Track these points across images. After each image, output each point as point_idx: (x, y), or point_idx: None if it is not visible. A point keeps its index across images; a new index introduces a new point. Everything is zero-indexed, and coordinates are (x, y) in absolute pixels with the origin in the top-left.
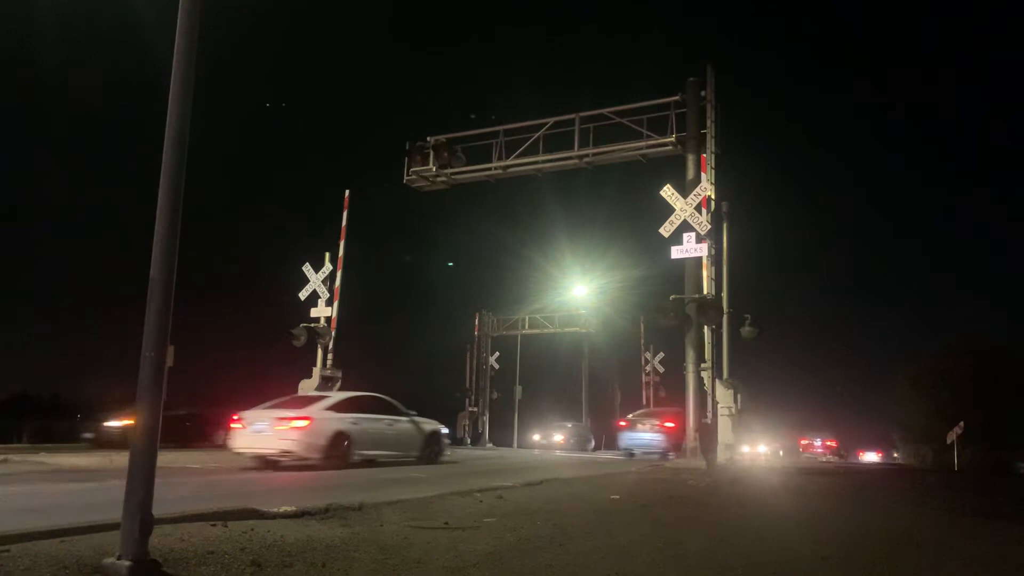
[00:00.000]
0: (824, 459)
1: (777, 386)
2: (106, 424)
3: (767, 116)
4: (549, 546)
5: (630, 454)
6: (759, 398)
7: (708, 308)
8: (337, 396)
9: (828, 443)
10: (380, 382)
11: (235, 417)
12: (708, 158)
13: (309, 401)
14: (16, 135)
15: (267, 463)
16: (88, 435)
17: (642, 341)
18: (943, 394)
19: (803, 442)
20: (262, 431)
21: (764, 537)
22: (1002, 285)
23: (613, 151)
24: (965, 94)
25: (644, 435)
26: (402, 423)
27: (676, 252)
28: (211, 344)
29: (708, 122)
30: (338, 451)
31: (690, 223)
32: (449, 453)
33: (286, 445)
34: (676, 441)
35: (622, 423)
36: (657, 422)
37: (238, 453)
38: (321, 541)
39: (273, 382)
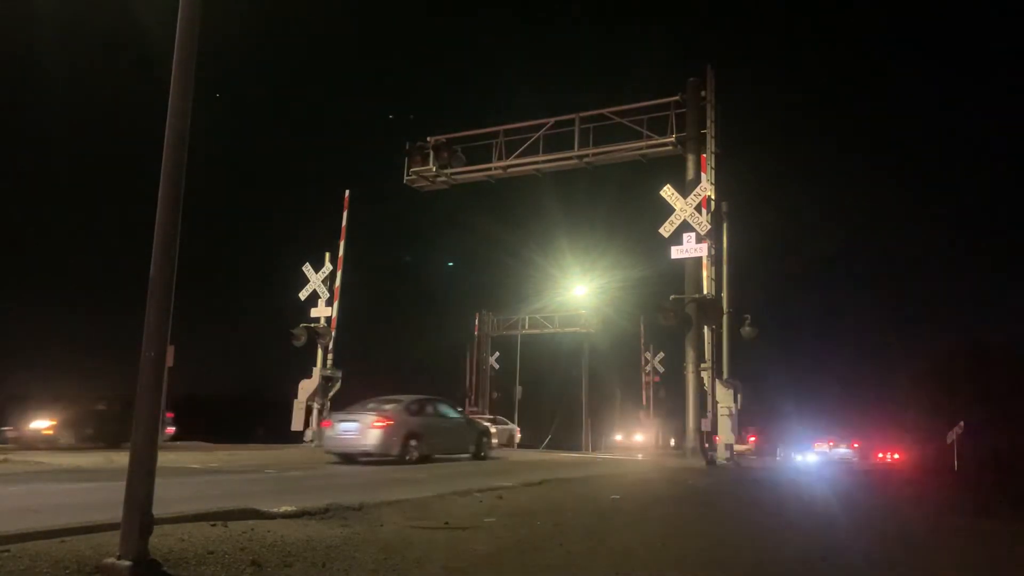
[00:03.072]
0: (839, 459)
1: (785, 387)
2: (31, 426)
3: (767, 116)
4: (549, 546)
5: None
6: (768, 400)
7: (708, 308)
8: (406, 399)
9: (852, 445)
10: (380, 382)
11: (325, 420)
12: (708, 158)
13: (384, 403)
14: (15, 135)
15: (347, 458)
16: (12, 434)
17: (642, 341)
18: (943, 394)
19: (818, 445)
20: (349, 431)
21: (764, 537)
22: (1003, 285)
23: (613, 151)
24: (966, 94)
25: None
26: (458, 423)
27: (676, 252)
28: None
29: (708, 122)
30: (408, 448)
31: (690, 223)
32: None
33: (369, 443)
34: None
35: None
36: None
37: (328, 451)
38: (321, 541)
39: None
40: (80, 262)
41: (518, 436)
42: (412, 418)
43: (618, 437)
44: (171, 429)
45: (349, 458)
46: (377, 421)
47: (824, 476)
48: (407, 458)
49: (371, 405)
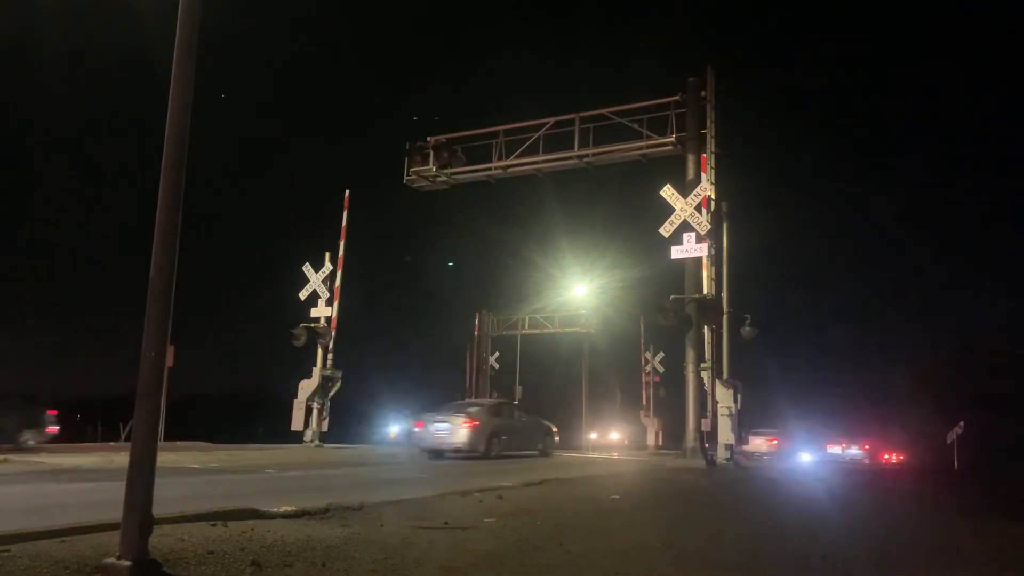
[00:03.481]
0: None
1: (791, 389)
2: None
3: (768, 116)
4: (549, 546)
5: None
6: (776, 402)
7: (708, 308)
8: (487, 403)
9: (863, 447)
10: (380, 382)
11: (417, 422)
12: (708, 158)
13: (468, 407)
14: (15, 134)
15: (436, 454)
16: None
17: (642, 341)
18: (944, 394)
19: (830, 447)
20: (440, 430)
21: (764, 536)
22: (1003, 284)
23: (613, 151)
24: (966, 93)
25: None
26: (529, 424)
27: (676, 252)
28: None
29: (708, 122)
30: (490, 446)
31: (690, 223)
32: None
33: (459, 441)
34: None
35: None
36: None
37: (420, 448)
38: (321, 541)
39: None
40: (79, 262)
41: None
42: (493, 419)
43: (592, 435)
44: (53, 428)
45: (437, 454)
46: (466, 422)
47: (825, 476)
48: (491, 454)
49: (455, 408)
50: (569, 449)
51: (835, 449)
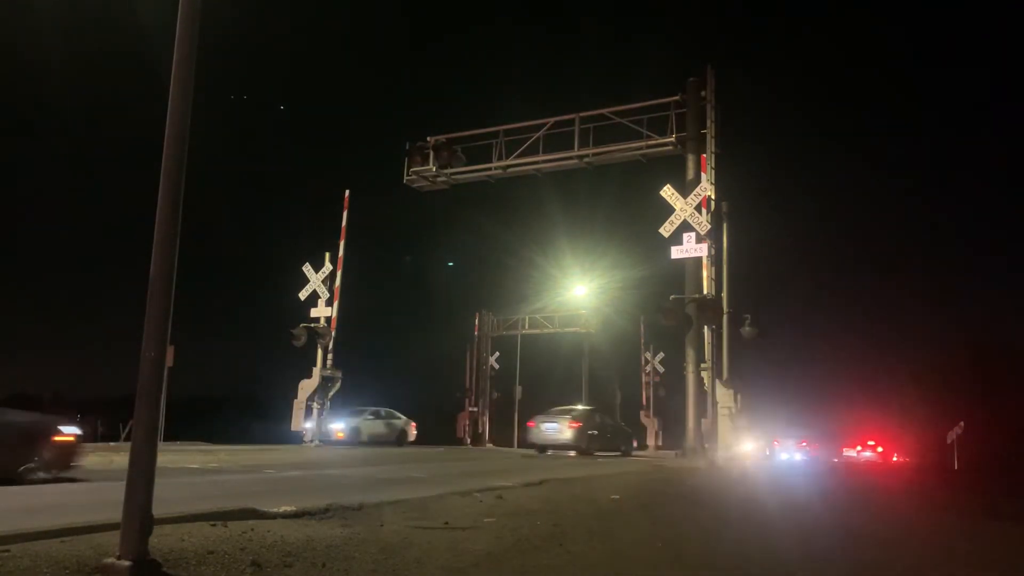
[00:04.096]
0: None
1: (797, 391)
2: None
3: (768, 116)
4: (549, 546)
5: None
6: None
7: (708, 308)
8: (583, 408)
9: (876, 449)
10: (380, 382)
11: (530, 422)
12: (708, 158)
13: (571, 411)
14: (14, 134)
15: (541, 449)
16: None
17: (642, 341)
18: (944, 393)
19: (846, 449)
20: (550, 429)
21: (764, 537)
22: (1003, 284)
23: (613, 151)
24: (967, 92)
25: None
26: (617, 427)
27: (676, 252)
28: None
29: (708, 122)
30: (589, 444)
31: (690, 223)
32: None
33: (565, 439)
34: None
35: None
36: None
37: (532, 444)
38: (321, 541)
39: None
40: (79, 262)
41: (413, 432)
42: (590, 421)
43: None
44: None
45: (543, 449)
46: (571, 424)
47: (824, 476)
48: (588, 451)
49: (557, 411)
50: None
51: (850, 451)
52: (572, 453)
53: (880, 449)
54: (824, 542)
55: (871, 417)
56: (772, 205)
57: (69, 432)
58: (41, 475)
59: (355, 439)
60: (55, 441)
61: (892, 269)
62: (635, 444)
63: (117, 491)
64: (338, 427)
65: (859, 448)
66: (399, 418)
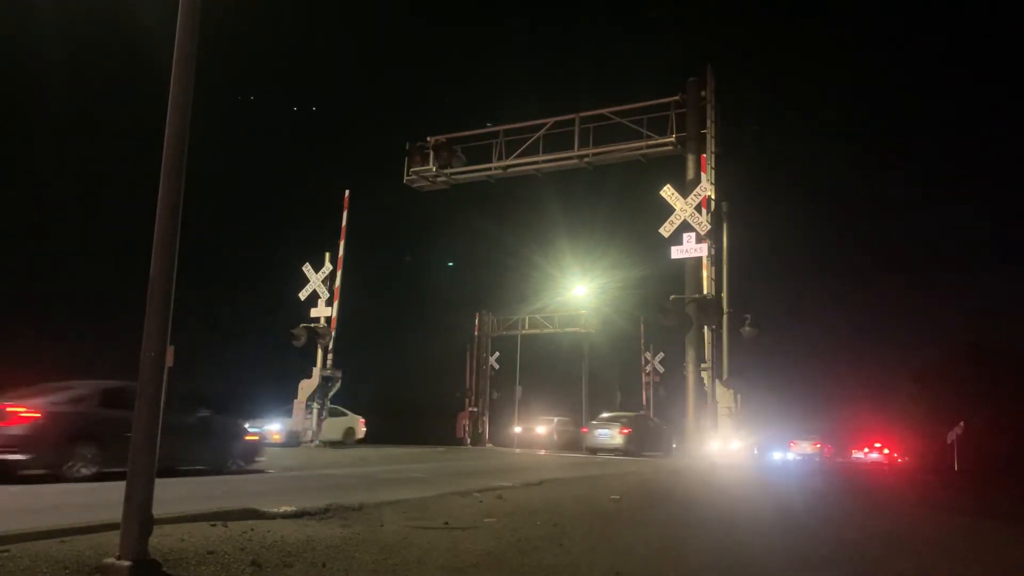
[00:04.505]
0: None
1: (804, 392)
2: None
3: (768, 116)
4: (549, 546)
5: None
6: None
7: (708, 308)
8: (630, 415)
9: (883, 451)
10: (380, 382)
11: (583, 428)
12: (708, 158)
13: (621, 418)
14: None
15: (592, 451)
16: None
17: (642, 341)
18: (944, 394)
19: (855, 451)
20: (603, 435)
21: (764, 536)
22: (1004, 284)
23: (613, 151)
24: (967, 91)
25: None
26: (661, 430)
27: (676, 252)
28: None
29: (708, 122)
30: (638, 447)
31: (690, 223)
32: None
33: (617, 443)
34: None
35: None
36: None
37: (587, 447)
38: (321, 541)
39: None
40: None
41: (361, 430)
42: (639, 427)
43: (517, 429)
44: None
45: (593, 451)
46: (623, 429)
47: (825, 476)
48: (636, 453)
49: (605, 417)
50: (569, 449)
51: (858, 453)
52: (621, 456)
53: (886, 451)
54: (825, 539)
55: (877, 419)
56: (772, 205)
57: (254, 432)
58: (239, 465)
59: (294, 440)
60: (246, 439)
61: (892, 269)
62: (675, 447)
63: (117, 491)
64: (273, 429)
65: (866, 450)
66: (345, 415)
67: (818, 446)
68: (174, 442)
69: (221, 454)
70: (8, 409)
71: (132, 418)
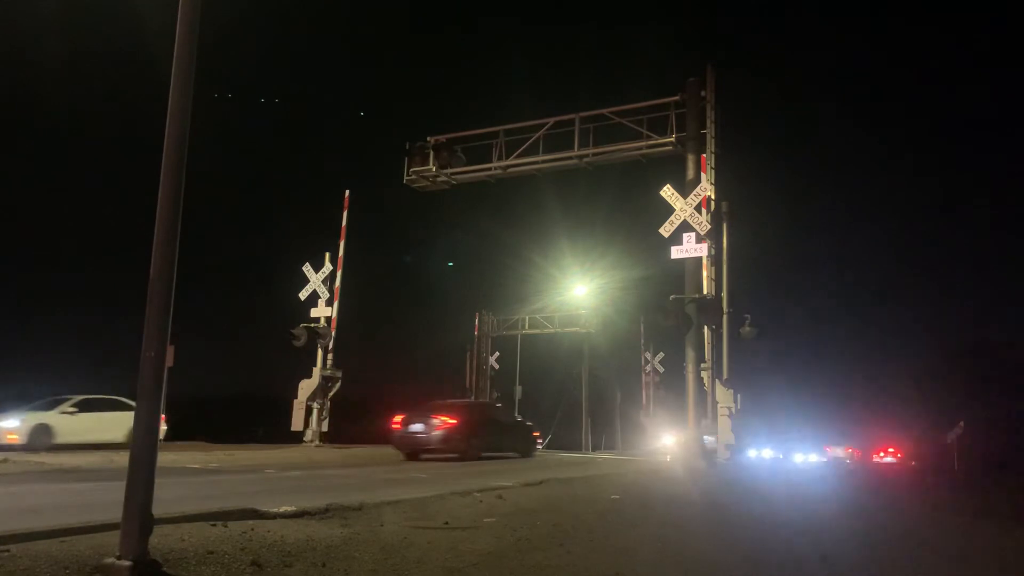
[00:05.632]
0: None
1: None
2: None
3: (768, 115)
4: (549, 546)
5: None
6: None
7: (708, 308)
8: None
9: (896, 454)
10: (380, 382)
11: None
12: (708, 158)
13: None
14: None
15: (408, 454)
16: None
17: (642, 341)
18: (944, 394)
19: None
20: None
21: (764, 537)
22: (1004, 284)
23: (613, 151)
24: (968, 90)
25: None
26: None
27: (676, 252)
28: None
29: (708, 122)
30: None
31: (690, 223)
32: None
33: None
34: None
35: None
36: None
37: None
38: (321, 541)
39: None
40: (78, 261)
41: (162, 428)
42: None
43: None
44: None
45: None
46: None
47: (824, 477)
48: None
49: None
50: (569, 449)
51: (877, 457)
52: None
53: (900, 455)
54: (825, 539)
55: (889, 423)
56: (772, 205)
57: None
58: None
59: (43, 442)
60: (533, 435)
61: (893, 269)
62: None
63: (117, 491)
64: (8, 426)
65: (881, 453)
66: (129, 410)
67: (849, 451)
68: None
69: (525, 448)
70: (439, 419)
71: (495, 420)
